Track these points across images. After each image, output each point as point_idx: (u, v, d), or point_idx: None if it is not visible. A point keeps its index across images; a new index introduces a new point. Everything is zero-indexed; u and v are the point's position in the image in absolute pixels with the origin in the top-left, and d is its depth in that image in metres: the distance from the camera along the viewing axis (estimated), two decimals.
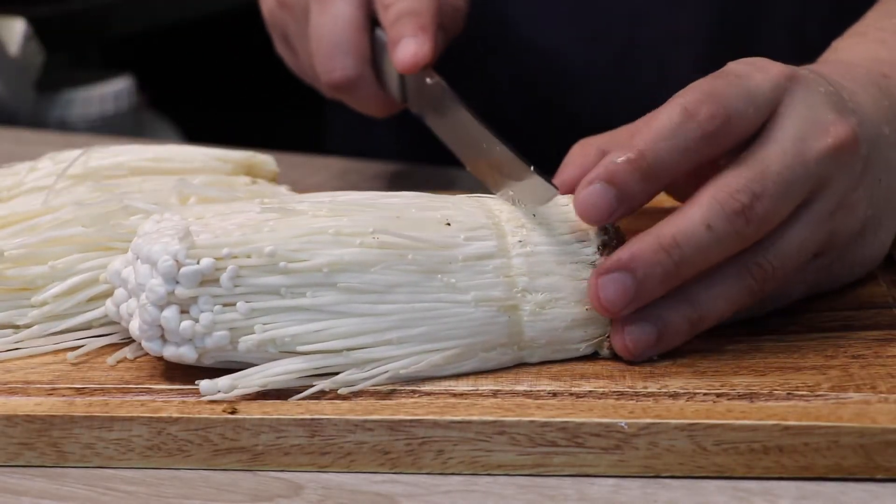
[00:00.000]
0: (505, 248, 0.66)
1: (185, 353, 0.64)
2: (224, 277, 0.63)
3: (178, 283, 0.63)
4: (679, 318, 0.65)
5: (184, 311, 0.63)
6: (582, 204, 0.65)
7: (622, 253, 0.64)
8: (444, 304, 0.65)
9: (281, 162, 0.84)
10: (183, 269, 0.63)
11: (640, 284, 0.64)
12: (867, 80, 0.72)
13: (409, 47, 0.81)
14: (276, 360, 0.64)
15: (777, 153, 0.66)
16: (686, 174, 0.67)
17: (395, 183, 0.98)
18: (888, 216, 0.72)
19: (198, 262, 0.63)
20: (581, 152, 0.73)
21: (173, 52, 1.97)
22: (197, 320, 0.63)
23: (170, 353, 0.64)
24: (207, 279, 0.63)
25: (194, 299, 0.63)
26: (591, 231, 0.67)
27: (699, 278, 0.65)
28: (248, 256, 0.64)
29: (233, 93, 1.95)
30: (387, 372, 0.64)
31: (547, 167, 0.69)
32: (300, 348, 0.63)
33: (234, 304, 0.63)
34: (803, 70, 0.69)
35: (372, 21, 0.86)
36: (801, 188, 0.66)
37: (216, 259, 0.63)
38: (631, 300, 0.64)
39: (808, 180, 0.66)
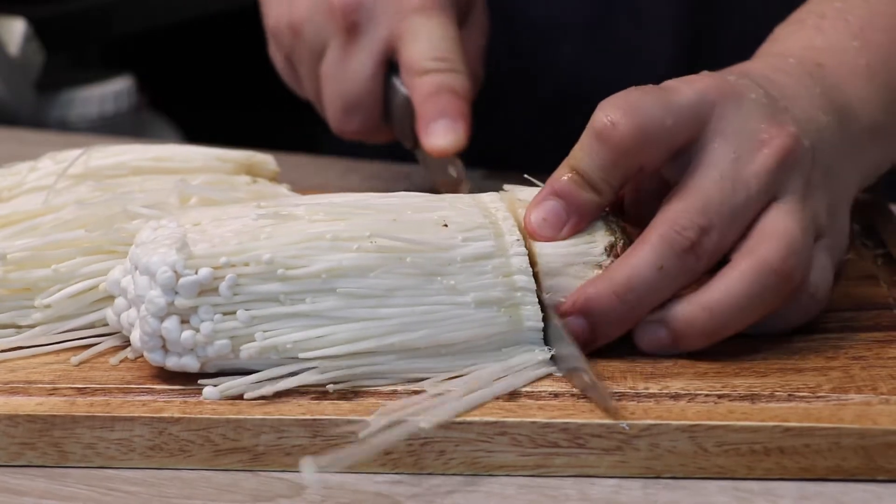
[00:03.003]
0: (503, 247, 0.66)
1: (187, 363, 0.64)
2: (223, 286, 0.63)
3: (177, 293, 0.63)
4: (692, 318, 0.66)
5: (184, 322, 0.63)
6: (535, 221, 0.67)
7: (578, 296, 0.65)
8: (445, 306, 0.65)
9: (281, 162, 0.84)
10: (182, 280, 0.63)
11: (596, 327, 0.66)
12: (799, 70, 0.72)
13: (446, 135, 0.80)
14: (282, 367, 0.64)
15: (715, 180, 0.66)
16: (630, 190, 0.70)
17: (395, 183, 0.98)
18: (843, 200, 0.72)
19: (196, 273, 0.63)
20: None
21: (173, 52, 1.97)
22: (198, 330, 0.63)
23: (172, 363, 0.64)
24: (206, 289, 0.63)
25: (194, 309, 0.63)
26: (598, 233, 0.67)
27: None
28: (247, 265, 0.64)
29: (233, 93, 1.95)
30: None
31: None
32: (302, 354, 0.63)
33: (235, 313, 0.63)
34: (733, 76, 0.70)
35: (389, 69, 0.84)
36: (748, 209, 0.66)
37: (214, 268, 0.63)
38: (588, 341, 0.66)
39: (755, 200, 0.67)
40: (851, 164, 0.72)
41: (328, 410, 0.62)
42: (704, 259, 0.66)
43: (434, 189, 0.79)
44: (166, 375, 0.65)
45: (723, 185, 0.66)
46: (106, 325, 0.69)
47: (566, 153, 0.69)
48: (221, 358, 0.64)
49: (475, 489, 0.61)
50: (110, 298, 0.69)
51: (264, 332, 0.64)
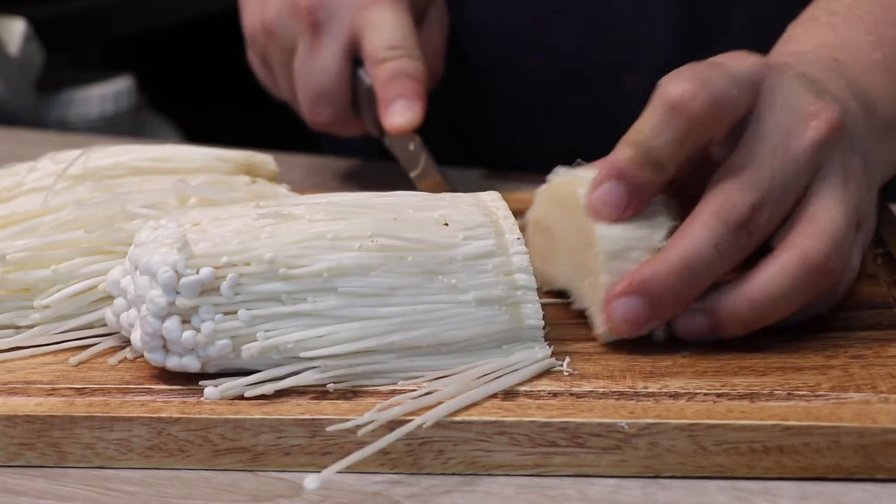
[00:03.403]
0: (504, 245, 0.66)
1: (188, 363, 0.64)
2: (224, 286, 0.63)
3: (178, 293, 0.63)
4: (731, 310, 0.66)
5: (185, 322, 0.63)
6: (596, 203, 0.67)
7: (634, 277, 0.65)
8: (445, 304, 0.65)
9: (281, 162, 0.84)
10: (183, 280, 0.63)
11: (653, 308, 0.65)
12: (819, 65, 0.72)
13: (403, 113, 0.85)
14: (283, 366, 0.64)
15: (766, 155, 0.66)
16: (687, 169, 0.68)
17: (395, 182, 0.97)
18: (873, 189, 0.72)
19: (197, 272, 0.63)
20: None
21: (173, 52, 1.97)
22: (199, 330, 0.63)
23: (173, 363, 0.64)
24: (207, 288, 0.63)
25: (195, 309, 0.63)
26: (660, 217, 0.68)
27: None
28: (248, 264, 0.64)
29: (233, 93, 1.95)
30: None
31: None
32: (304, 354, 0.63)
33: (236, 313, 0.63)
34: (770, 57, 0.70)
35: (354, 62, 0.89)
36: (797, 183, 0.67)
37: (215, 268, 0.63)
38: (645, 322, 0.66)
39: (804, 174, 0.67)
40: (876, 155, 0.72)
41: (327, 410, 0.62)
42: (756, 235, 0.66)
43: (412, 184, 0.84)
44: (165, 375, 0.65)
45: (773, 159, 0.66)
46: (105, 325, 0.69)
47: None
48: (222, 358, 0.64)
49: (474, 489, 0.61)
50: (109, 299, 0.68)
51: (265, 331, 0.64)
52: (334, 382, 0.63)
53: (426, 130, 0.85)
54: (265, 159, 0.82)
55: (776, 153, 0.66)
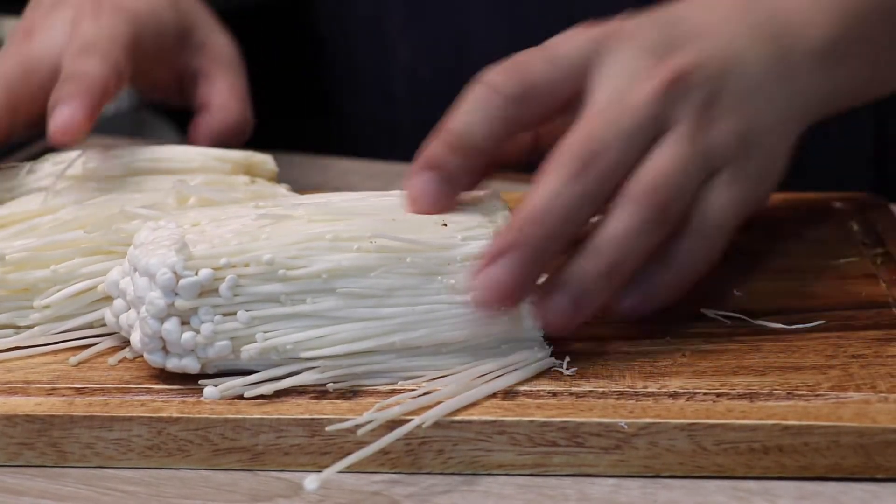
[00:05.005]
0: None
1: (187, 365, 0.64)
2: (223, 287, 0.63)
3: (177, 294, 0.63)
4: (591, 272, 0.65)
5: (184, 323, 0.63)
6: (412, 196, 0.68)
7: (496, 244, 0.64)
8: (445, 305, 0.65)
9: (280, 162, 0.84)
10: (182, 281, 0.63)
11: (530, 257, 0.64)
12: (729, 4, 0.72)
13: (61, 115, 0.76)
14: (282, 367, 0.64)
15: (598, 112, 0.66)
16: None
17: (394, 183, 0.97)
18: (774, 129, 0.71)
19: (196, 274, 0.63)
20: None
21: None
22: (198, 331, 0.63)
23: (172, 364, 0.64)
24: (206, 290, 0.63)
25: (194, 310, 0.63)
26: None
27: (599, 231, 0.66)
28: (247, 265, 0.64)
29: None
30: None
31: None
32: (303, 354, 0.63)
33: (235, 314, 0.63)
34: (630, 22, 0.70)
35: None
36: (639, 136, 0.66)
37: (214, 269, 0.63)
38: (518, 274, 0.64)
39: (646, 128, 0.66)
40: (789, 91, 0.72)
41: (327, 410, 0.62)
42: (601, 182, 0.65)
43: None
44: (165, 375, 0.65)
45: (607, 114, 0.66)
46: (104, 325, 0.69)
47: None
48: (222, 359, 0.64)
49: (473, 488, 0.61)
50: (109, 299, 0.69)
51: (265, 332, 0.64)
52: (333, 382, 0.63)
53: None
54: (264, 159, 0.82)
55: (610, 109, 0.66)
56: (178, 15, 0.85)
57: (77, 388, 0.65)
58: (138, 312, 0.64)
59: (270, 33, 1.16)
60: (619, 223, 0.65)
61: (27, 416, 0.63)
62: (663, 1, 0.73)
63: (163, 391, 0.64)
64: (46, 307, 0.69)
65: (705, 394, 0.63)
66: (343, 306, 0.64)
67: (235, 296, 0.63)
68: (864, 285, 0.74)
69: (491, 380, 0.63)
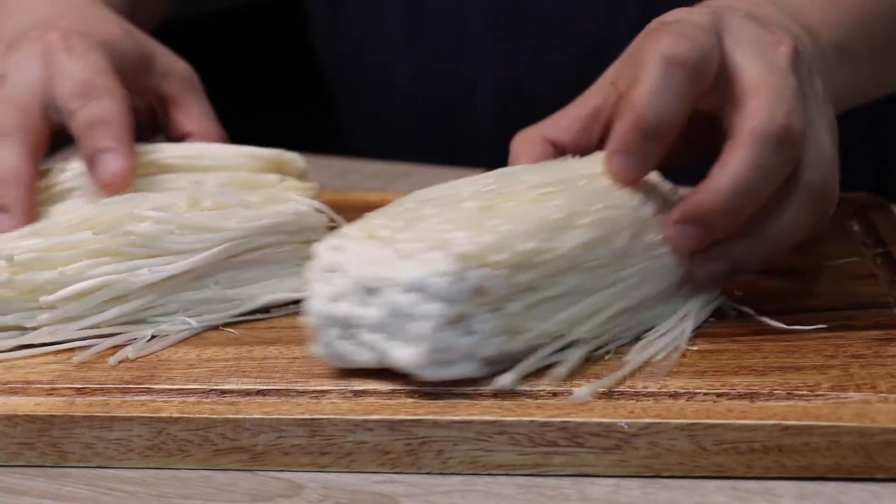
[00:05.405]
0: (668, 199, 0.71)
1: (468, 369, 0.63)
2: (492, 284, 0.63)
3: (453, 301, 0.62)
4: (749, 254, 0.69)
5: (459, 326, 0.63)
6: (614, 177, 0.69)
7: (687, 206, 0.67)
8: (652, 260, 0.68)
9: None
10: (455, 286, 0.62)
11: (708, 232, 0.68)
12: (759, 3, 0.73)
13: (108, 168, 0.75)
14: (550, 345, 0.65)
15: (763, 75, 0.67)
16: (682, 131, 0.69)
17: (395, 182, 0.97)
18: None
19: (466, 276, 0.62)
20: (526, 145, 0.75)
21: (173, 51, 1.97)
22: (474, 332, 0.63)
23: (456, 372, 0.63)
24: (478, 290, 0.63)
25: (470, 313, 0.63)
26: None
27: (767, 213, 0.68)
28: (505, 258, 0.63)
29: (232, 93, 1.95)
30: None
31: None
32: (574, 331, 0.65)
33: (505, 308, 0.64)
34: (715, 5, 0.71)
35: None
36: (798, 93, 0.67)
37: (482, 267, 0.62)
38: (703, 240, 0.68)
39: (794, 87, 0.67)
40: (824, 81, 0.73)
41: (326, 410, 0.62)
42: (797, 147, 0.67)
43: None
44: (165, 376, 0.65)
45: (778, 77, 0.67)
46: (107, 325, 0.69)
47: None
48: (499, 353, 0.64)
49: (473, 488, 0.61)
50: (116, 300, 0.69)
51: (534, 319, 0.64)
52: (599, 348, 0.66)
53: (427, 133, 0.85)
54: (293, 157, 0.82)
55: (772, 73, 0.67)
56: (136, 43, 0.84)
57: (77, 389, 0.65)
58: (396, 332, 0.63)
59: (270, 33, 1.16)
60: (791, 219, 0.68)
61: (28, 416, 0.63)
62: (664, 9, 0.73)
63: (163, 391, 0.64)
64: (53, 306, 0.69)
65: (705, 394, 0.63)
66: (590, 279, 0.66)
67: (503, 290, 0.63)
68: (865, 285, 0.74)
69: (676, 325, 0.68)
